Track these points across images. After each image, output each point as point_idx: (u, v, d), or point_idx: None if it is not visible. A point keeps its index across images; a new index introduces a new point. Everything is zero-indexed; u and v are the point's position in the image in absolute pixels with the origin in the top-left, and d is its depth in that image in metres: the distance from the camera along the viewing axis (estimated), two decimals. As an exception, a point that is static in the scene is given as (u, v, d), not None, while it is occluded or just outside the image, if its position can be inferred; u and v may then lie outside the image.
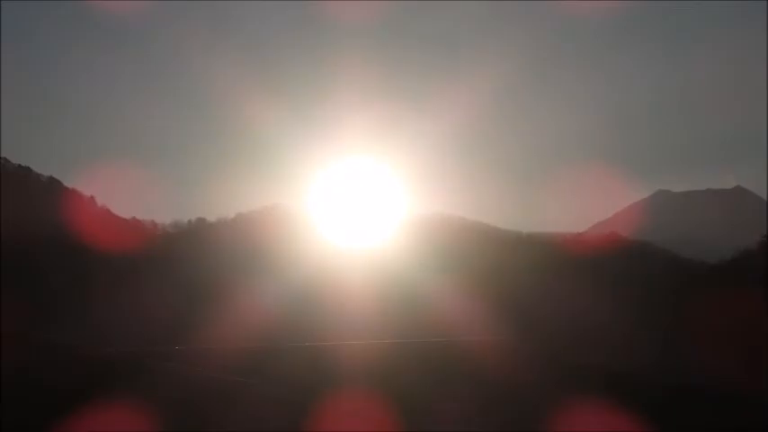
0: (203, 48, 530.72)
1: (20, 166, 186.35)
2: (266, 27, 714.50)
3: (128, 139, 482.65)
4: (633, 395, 69.65)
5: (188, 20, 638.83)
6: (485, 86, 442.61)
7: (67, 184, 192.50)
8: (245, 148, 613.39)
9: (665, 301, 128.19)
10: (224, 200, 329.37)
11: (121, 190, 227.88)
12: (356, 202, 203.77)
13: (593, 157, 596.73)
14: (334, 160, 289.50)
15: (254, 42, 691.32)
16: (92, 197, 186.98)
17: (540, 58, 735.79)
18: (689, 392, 75.86)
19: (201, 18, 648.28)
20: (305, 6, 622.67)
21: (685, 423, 68.46)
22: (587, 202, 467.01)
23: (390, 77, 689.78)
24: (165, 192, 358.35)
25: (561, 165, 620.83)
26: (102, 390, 65.92)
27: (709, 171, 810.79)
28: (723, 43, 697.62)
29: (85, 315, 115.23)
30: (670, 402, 72.31)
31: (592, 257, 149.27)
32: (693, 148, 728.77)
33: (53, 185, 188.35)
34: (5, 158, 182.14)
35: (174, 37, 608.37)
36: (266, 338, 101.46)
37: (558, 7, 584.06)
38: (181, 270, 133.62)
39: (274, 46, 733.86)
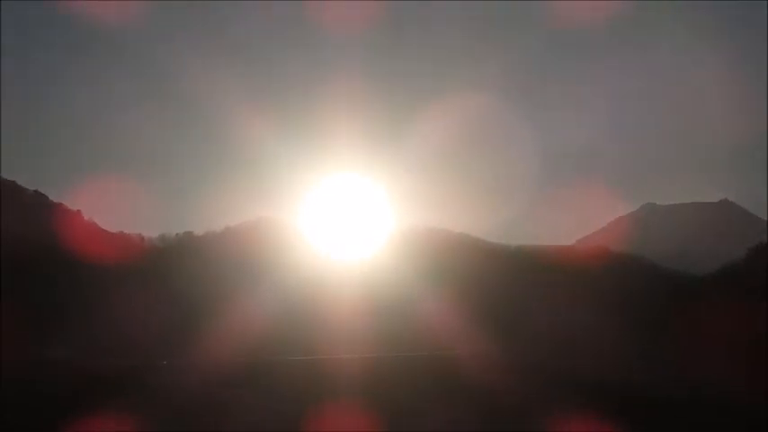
0: (193, 59, 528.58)
1: (5, 180, 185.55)
2: (256, 39, 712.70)
3: (114, 153, 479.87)
4: (622, 406, 69.76)
5: (177, 31, 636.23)
6: (472, 100, 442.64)
7: (53, 198, 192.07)
8: (233, 161, 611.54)
9: (653, 314, 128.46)
10: (212, 213, 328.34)
11: (108, 204, 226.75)
12: (344, 215, 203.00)
13: (581, 171, 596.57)
14: (321, 173, 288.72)
15: (243, 55, 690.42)
16: (78, 211, 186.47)
17: (528, 72, 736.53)
18: (678, 403, 75.94)
19: (191, 29, 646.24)
20: (298, 20, 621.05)
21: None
22: (575, 214, 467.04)
23: (379, 90, 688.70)
24: (153, 205, 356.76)
25: (549, 178, 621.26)
26: (90, 403, 65.59)
27: (695, 184, 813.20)
28: (708, 58, 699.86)
29: (73, 329, 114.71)
30: (659, 413, 72.37)
31: (580, 270, 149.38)
32: (680, 161, 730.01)
33: (39, 200, 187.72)
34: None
35: (163, 49, 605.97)
36: (255, 352, 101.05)
37: (544, 20, 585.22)
38: (168, 284, 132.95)
39: (264, 58, 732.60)
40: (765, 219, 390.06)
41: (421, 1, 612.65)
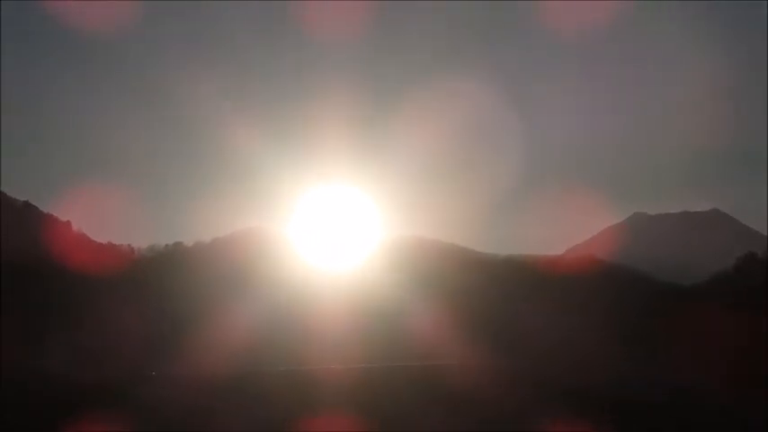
0: (182, 68, 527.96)
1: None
2: (247, 48, 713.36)
3: (104, 162, 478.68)
4: (609, 413, 70.09)
5: (165, 40, 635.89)
6: (461, 109, 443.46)
7: (43, 208, 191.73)
8: (223, 171, 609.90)
9: (642, 323, 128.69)
10: (202, 223, 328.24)
11: (98, 214, 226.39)
12: (333, 225, 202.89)
13: (570, 180, 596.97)
14: (311, 182, 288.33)
15: (232, 64, 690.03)
16: (68, 222, 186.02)
17: (517, 81, 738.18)
18: (666, 410, 76.31)
19: (179, 38, 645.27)
20: (287, 29, 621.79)
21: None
22: (564, 224, 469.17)
23: (368, 99, 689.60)
24: (143, 215, 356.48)
25: (537, 188, 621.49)
26: (79, 413, 65.55)
27: (685, 193, 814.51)
28: (701, 63, 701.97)
29: (62, 340, 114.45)
30: (647, 420, 72.73)
31: (569, 280, 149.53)
32: (669, 170, 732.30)
33: (28, 210, 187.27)
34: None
35: (152, 56, 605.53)
36: (244, 362, 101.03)
37: (534, 26, 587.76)
38: (158, 295, 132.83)
39: (252, 67, 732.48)
40: (755, 228, 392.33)
41: (411, 1, 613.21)
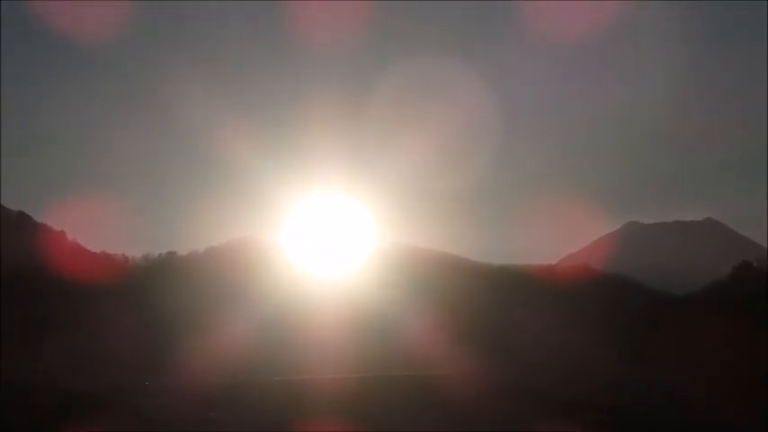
0: (175, 78, 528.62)
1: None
2: (240, 57, 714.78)
3: (98, 172, 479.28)
4: (605, 424, 70.05)
5: (157, 50, 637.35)
6: (454, 119, 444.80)
7: (37, 218, 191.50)
8: (217, 180, 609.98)
9: (637, 332, 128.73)
10: (196, 232, 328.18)
11: (92, 223, 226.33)
12: (327, 233, 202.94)
13: (564, 189, 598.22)
14: (305, 191, 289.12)
15: (226, 72, 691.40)
16: (62, 231, 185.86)
17: (509, 89, 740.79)
18: (661, 421, 76.22)
19: (172, 48, 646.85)
20: (282, 37, 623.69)
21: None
22: (558, 233, 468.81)
23: (363, 108, 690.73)
24: (137, 224, 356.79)
25: (531, 197, 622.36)
26: (72, 423, 65.24)
27: (679, 202, 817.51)
28: (688, 76, 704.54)
29: (55, 349, 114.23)
30: (642, 430, 72.69)
31: (563, 289, 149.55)
32: (663, 180, 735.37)
33: (22, 220, 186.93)
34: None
35: (145, 67, 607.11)
36: (238, 372, 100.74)
37: (526, 36, 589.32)
38: (152, 304, 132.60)
39: (246, 76, 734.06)
40: (749, 237, 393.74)
41: (411, 2, 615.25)
